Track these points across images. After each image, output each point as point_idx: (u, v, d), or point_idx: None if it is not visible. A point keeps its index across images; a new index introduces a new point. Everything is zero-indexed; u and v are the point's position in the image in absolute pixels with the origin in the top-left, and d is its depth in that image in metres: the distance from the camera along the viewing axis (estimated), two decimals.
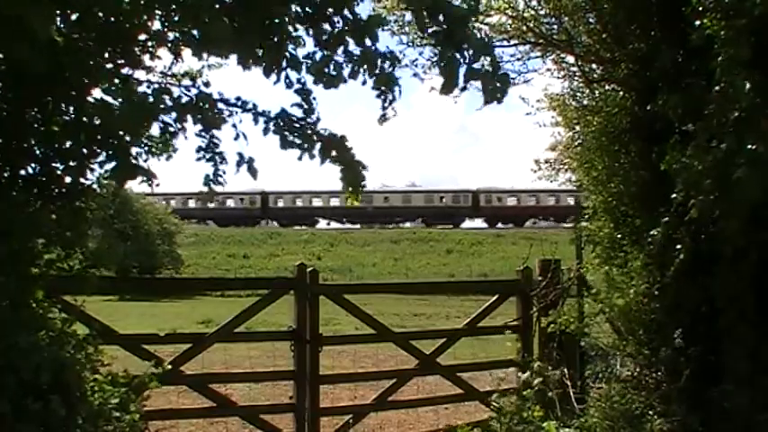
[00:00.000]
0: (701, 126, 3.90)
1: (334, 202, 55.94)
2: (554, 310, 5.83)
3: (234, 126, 3.32)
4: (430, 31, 2.84)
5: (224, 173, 3.41)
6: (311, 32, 3.03)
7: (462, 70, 2.76)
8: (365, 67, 2.91)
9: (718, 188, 3.83)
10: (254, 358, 7.26)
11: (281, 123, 3.22)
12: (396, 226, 56.86)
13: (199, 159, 3.38)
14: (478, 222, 59.11)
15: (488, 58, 2.79)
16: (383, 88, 2.94)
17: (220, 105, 3.30)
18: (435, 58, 3.38)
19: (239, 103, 3.33)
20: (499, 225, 56.67)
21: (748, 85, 3.66)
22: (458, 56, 2.74)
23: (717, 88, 3.80)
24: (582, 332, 5.57)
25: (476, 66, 2.77)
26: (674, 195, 4.10)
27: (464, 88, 2.82)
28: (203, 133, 3.34)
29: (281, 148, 3.19)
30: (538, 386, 5.52)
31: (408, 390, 6.56)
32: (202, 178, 3.41)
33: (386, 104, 3.00)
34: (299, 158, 3.21)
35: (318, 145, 3.20)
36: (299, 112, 3.24)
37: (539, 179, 6.65)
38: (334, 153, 3.19)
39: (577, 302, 5.95)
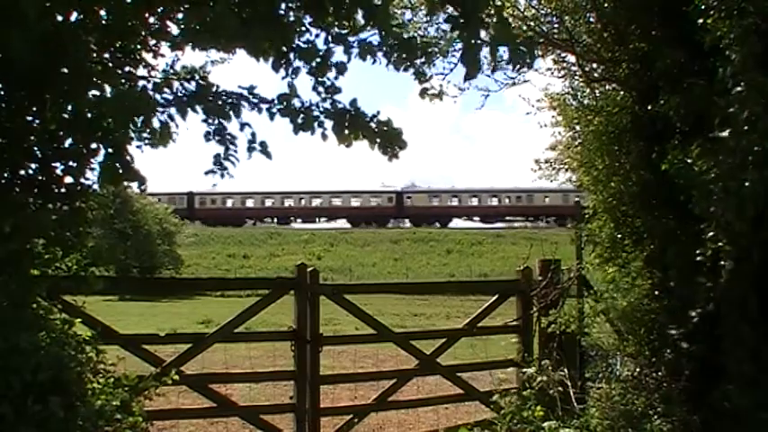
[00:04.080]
0: (732, 132, 3.80)
1: None
2: (554, 310, 5.82)
3: (237, 116, 3.31)
4: (444, 16, 2.69)
5: (236, 151, 3.41)
6: (315, 20, 2.96)
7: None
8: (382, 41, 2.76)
9: (727, 190, 3.80)
10: (254, 358, 7.24)
11: (285, 106, 3.15)
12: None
13: (208, 141, 3.39)
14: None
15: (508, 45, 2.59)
16: (408, 55, 2.80)
17: (223, 98, 3.29)
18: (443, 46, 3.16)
19: (242, 95, 3.30)
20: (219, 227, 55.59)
21: None
22: (478, 41, 2.54)
23: (738, 88, 3.75)
24: (582, 332, 5.56)
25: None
26: (711, 209, 3.93)
27: (494, 69, 2.64)
28: (209, 120, 3.34)
29: (294, 133, 3.14)
30: (538, 386, 5.52)
31: (408, 390, 6.56)
32: (212, 158, 3.42)
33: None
34: (313, 134, 3.12)
35: (330, 123, 3.06)
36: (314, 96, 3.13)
37: (539, 179, 6.61)
38: (349, 126, 3.04)
39: (577, 302, 5.94)
